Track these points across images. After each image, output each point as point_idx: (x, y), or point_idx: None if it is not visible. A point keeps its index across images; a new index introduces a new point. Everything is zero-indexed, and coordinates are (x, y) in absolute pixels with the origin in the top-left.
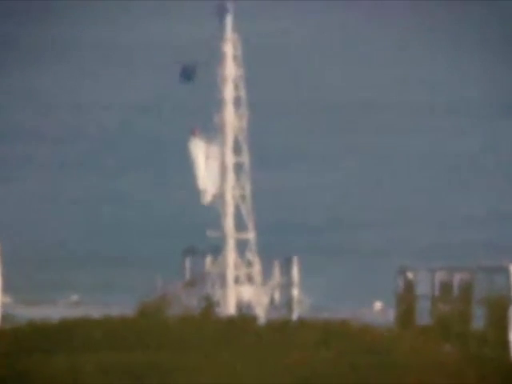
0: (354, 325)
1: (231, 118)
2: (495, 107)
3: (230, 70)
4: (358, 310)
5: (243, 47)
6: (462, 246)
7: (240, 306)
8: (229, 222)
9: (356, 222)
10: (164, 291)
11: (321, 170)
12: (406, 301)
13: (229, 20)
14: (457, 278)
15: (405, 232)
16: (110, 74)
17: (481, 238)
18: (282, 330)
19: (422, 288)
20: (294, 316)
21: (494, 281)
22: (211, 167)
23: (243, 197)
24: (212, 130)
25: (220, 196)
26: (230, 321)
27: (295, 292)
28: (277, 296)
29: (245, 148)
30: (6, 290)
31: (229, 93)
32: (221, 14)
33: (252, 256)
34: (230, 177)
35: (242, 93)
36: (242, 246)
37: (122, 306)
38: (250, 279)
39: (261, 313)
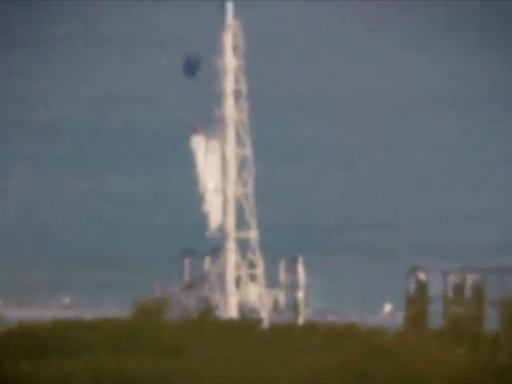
0: (362, 328)
1: (231, 111)
2: None
3: (230, 60)
4: (367, 313)
5: (245, 37)
6: (474, 246)
7: (242, 308)
8: (229, 221)
9: (365, 220)
10: (162, 293)
11: (329, 167)
12: (417, 303)
13: (230, 6)
14: (469, 279)
15: (416, 231)
16: (109, 65)
17: (494, 238)
18: (286, 334)
19: (434, 289)
20: (300, 319)
21: (507, 282)
22: (211, 162)
23: (245, 193)
24: (213, 126)
25: (220, 192)
26: (232, 324)
27: (301, 294)
28: (281, 298)
29: (247, 142)
30: None
31: (229, 85)
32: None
33: (254, 256)
34: (231, 172)
35: (243, 85)
36: (244, 247)
37: (117, 308)
38: (252, 280)
39: (264, 316)
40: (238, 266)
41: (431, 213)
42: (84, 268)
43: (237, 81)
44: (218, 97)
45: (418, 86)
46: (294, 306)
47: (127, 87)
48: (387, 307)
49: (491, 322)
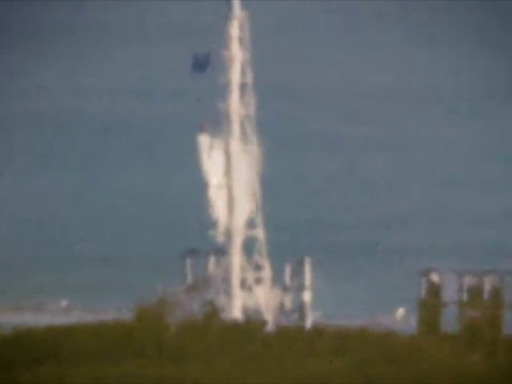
0: (373, 332)
1: (237, 105)
2: None
3: (236, 52)
4: (378, 317)
5: (251, 28)
6: (491, 247)
7: (247, 311)
8: (234, 219)
9: (377, 218)
10: (163, 295)
11: (337, 161)
12: (430, 307)
13: None
14: (487, 282)
15: (430, 230)
16: (110, 57)
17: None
18: (292, 338)
19: (449, 292)
20: (307, 323)
21: None
22: (215, 159)
23: (251, 190)
24: (219, 123)
25: (225, 190)
26: (236, 327)
27: (307, 297)
28: (287, 301)
29: (253, 137)
30: None
31: (234, 77)
32: None
33: (260, 257)
34: (236, 168)
35: (249, 77)
36: (250, 247)
37: (117, 312)
38: (258, 282)
39: (270, 319)
40: (243, 268)
41: (446, 212)
42: (82, 269)
43: (243, 73)
44: (223, 90)
45: (436, 81)
46: (300, 309)
47: (130, 78)
48: (400, 311)
49: (510, 327)
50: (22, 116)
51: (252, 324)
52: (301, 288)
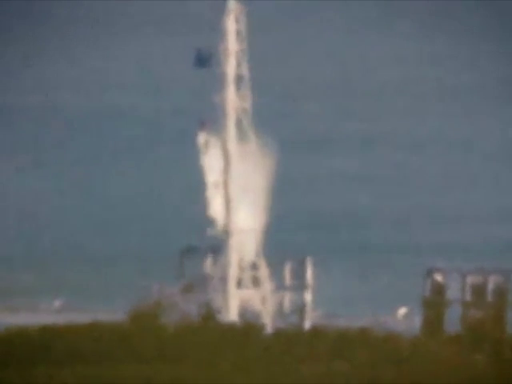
0: (375, 333)
1: (233, 98)
2: None
3: (232, 45)
4: (380, 317)
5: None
6: (495, 246)
7: (244, 313)
8: (232, 218)
9: (380, 216)
10: (159, 296)
11: (339, 160)
12: (433, 306)
13: None
14: (491, 281)
15: (434, 230)
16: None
17: None
18: (292, 340)
19: (452, 292)
20: (306, 324)
21: None
22: (212, 156)
23: (248, 186)
24: (218, 119)
25: (222, 187)
26: (233, 329)
27: (307, 297)
28: (286, 302)
29: (250, 133)
30: None
31: (230, 70)
32: None
33: (258, 256)
34: (233, 165)
35: (245, 71)
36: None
37: (111, 312)
38: (255, 282)
39: (268, 321)
40: (240, 267)
41: (450, 211)
42: (75, 269)
43: (239, 66)
44: (219, 84)
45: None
46: (300, 310)
47: (127, 72)
48: (402, 311)
49: None
50: (16, 109)
51: (250, 326)
52: (301, 288)
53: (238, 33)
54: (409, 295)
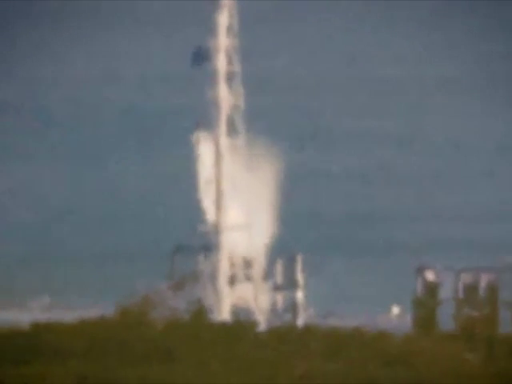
0: (368, 332)
1: (224, 96)
2: None
3: (224, 41)
4: (373, 316)
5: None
6: (488, 244)
7: (237, 310)
8: (222, 214)
9: (373, 214)
10: (148, 293)
11: (335, 156)
12: (426, 305)
13: None
14: (483, 279)
15: (427, 227)
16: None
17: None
18: (284, 338)
19: (445, 290)
20: (299, 322)
21: None
22: (204, 153)
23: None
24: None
25: (214, 184)
26: (225, 327)
27: (299, 295)
28: (279, 300)
29: (241, 129)
30: None
31: (222, 67)
32: None
33: (250, 253)
34: (225, 161)
35: (237, 66)
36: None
37: (101, 310)
38: (248, 280)
39: (261, 318)
40: (232, 265)
41: (443, 208)
42: (65, 266)
43: (231, 62)
44: (211, 79)
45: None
46: (292, 308)
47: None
48: (395, 310)
49: (506, 325)
50: (13, 105)
51: (242, 324)
52: (293, 286)
53: (230, 28)
54: (403, 293)
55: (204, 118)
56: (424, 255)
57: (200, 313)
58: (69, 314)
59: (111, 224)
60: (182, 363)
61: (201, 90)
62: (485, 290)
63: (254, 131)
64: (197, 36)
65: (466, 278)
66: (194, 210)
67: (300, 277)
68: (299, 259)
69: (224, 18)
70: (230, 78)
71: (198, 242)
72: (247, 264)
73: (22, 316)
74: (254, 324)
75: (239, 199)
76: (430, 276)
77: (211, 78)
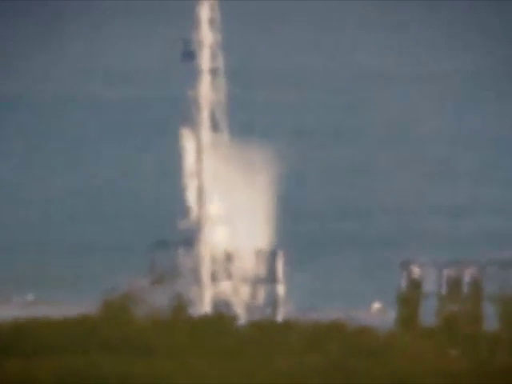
0: (348, 326)
1: (206, 91)
2: None
3: (206, 35)
4: (353, 311)
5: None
6: (471, 237)
7: (217, 304)
8: (203, 208)
9: (355, 208)
10: (130, 288)
11: (317, 151)
12: (409, 300)
13: None
14: (466, 274)
15: (410, 221)
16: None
17: (493, 229)
18: (265, 332)
19: (428, 285)
20: (279, 316)
21: (507, 276)
22: (186, 148)
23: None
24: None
25: (195, 179)
26: (206, 321)
27: (280, 289)
28: (260, 294)
29: (223, 126)
30: None
31: (204, 62)
32: None
33: (230, 248)
34: (206, 156)
35: (220, 62)
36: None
37: (83, 305)
38: (228, 274)
39: (241, 312)
40: (213, 259)
41: (426, 202)
42: (48, 262)
43: (213, 57)
44: (193, 75)
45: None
46: (272, 303)
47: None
48: (376, 305)
49: (490, 320)
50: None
51: (223, 318)
52: (273, 280)
53: (212, 22)
54: (384, 289)
55: (188, 114)
56: (407, 250)
57: (180, 307)
58: (51, 310)
59: (93, 219)
60: (163, 358)
61: (184, 85)
62: (468, 284)
63: (235, 126)
64: (180, 30)
65: (449, 272)
66: (176, 204)
67: (281, 271)
68: (281, 254)
69: (205, 12)
70: (212, 73)
71: (178, 237)
72: (228, 258)
73: (5, 312)
74: (234, 318)
75: (220, 194)
76: (414, 271)
77: (193, 73)
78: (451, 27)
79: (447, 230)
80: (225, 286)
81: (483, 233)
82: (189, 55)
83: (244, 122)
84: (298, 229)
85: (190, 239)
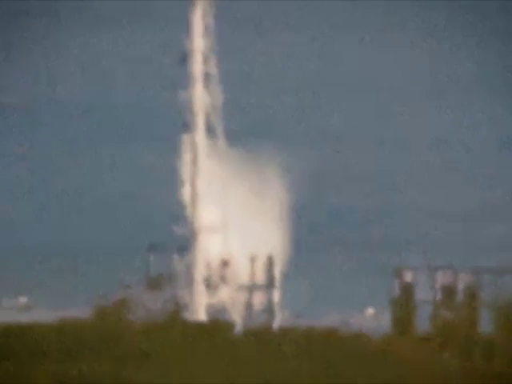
0: (343, 333)
1: (200, 96)
2: None
3: (199, 40)
4: (348, 317)
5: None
6: (466, 244)
7: (212, 311)
8: (198, 214)
9: (348, 212)
10: (124, 293)
11: (312, 156)
12: (402, 307)
13: None
14: (461, 280)
15: (404, 227)
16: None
17: (488, 236)
18: (260, 339)
19: (422, 291)
20: (275, 323)
21: (502, 283)
22: (184, 152)
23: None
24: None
25: (189, 183)
26: (201, 328)
27: (276, 296)
28: (255, 300)
29: (219, 132)
30: None
31: (197, 68)
32: None
33: (226, 253)
34: (201, 161)
35: (213, 67)
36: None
37: (77, 310)
38: (224, 280)
39: (236, 319)
40: (208, 265)
41: (421, 208)
42: (42, 266)
43: (206, 64)
44: (187, 80)
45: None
46: (268, 309)
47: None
48: (369, 311)
49: (485, 327)
50: None
51: (218, 324)
52: (269, 286)
53: (206, 28)
54: (378, 295)
55: (185, 119)
56: (401, 255)
57: (175, 313)
58: (45, 315)
59: (88, 223)
60: (158, 363)
61: (180, 90)
62: (463, 291)
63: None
64: (175, 35)
65: (443, 278)
66: (171, 209)
67: (277, 278)
68: (276, 260)
69: (199, 17)
70: (206, 78)
71: (173, 242)
72: (224, 264)
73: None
74: (229, 324)
75: (216, 200)
76: (408, 276)
77: (188, 78)
78: None
79: (443, 236)
80: (220, 292)
81: (480, 239)
82: (184, 60)
83: (240, 127)
84: (293, 235)
85: (185, 245)
